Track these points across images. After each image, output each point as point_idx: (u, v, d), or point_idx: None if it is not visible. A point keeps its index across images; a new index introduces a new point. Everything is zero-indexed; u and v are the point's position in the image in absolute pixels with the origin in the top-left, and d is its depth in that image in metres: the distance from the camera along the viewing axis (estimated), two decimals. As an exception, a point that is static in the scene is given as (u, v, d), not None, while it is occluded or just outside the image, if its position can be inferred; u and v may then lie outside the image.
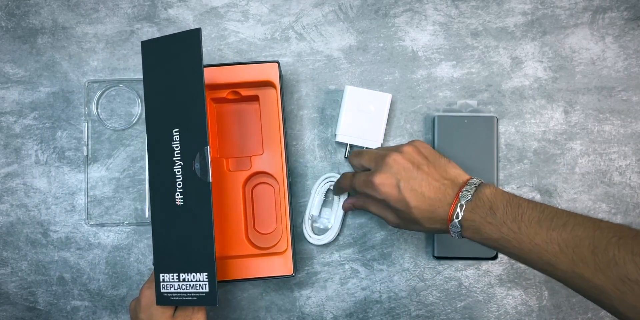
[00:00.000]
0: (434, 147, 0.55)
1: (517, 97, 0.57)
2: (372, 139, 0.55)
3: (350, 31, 0.58)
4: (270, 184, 0.56)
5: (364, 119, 0.55)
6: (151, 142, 0.49)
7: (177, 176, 0.47)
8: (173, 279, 0.46)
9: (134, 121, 0.58)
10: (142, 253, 0.57)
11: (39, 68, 0.59)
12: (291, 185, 0.57)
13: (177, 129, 0.47)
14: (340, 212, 0.55)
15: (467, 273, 0.56)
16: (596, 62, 0.57)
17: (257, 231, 0.56)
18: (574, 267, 0.36)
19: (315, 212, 0.56)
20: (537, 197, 0.57)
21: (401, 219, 0.46)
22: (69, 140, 0.58)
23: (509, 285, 0.56)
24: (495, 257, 0.55)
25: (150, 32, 0.59)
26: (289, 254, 0.51)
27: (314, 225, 0.57)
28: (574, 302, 0.56)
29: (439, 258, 0.56)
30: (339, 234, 0.57)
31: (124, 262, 0.57)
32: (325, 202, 0.56)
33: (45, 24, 0.59)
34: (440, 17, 0.58)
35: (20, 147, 0.58)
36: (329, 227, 0.56)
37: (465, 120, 0.55)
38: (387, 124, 0.57)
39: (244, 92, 0.55)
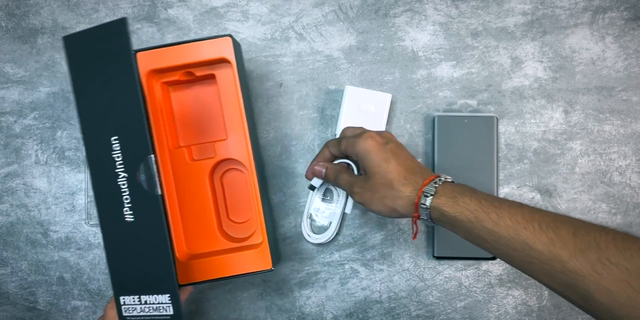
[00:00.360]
0: (433, 147, 0.56)
1: (517, 97, 0.57)
2: None
3: (350, 31, 0.58)
4: (240, 170, 0.53)
5: (363, 118, 0.55)
6: (90, 152, 0.43)
7: (122, 190, 0.42)
8: (134, 301, 0.43)
9: (134, 121, 0.58)
10: (142, 253, 0.57)
11: (39, 68, 0.59)
12: (263, 171, 0.56)
13: (116, 137, 0.42)
14: (339, 211, 0.55)
15: (467, 273, 0.56)
16: (596, 62, 0.57)
17: (232, 220, 0.53)
18: (551, 247, 0.35)
19: (313, 211, 0.56)
20: (537, 197, 0.57)
21: (371, 182, 0.44)
22: (69, 140, 0.58)
23: (509, 285, 0.56)
24: (495, 257, 0.55)
25: (150, 32, 0.59)
26: (266, 246, 0.48)
27: (312, 224, 0.57)
28: (574, 302, 0.56)
29: (439, 258, 0.56)
30: (337, 233, 0.57)
31: (124, 262, 0.57)
32: (324, 201, 0.56)
33: (45, 24, 0.59)
34: (440, 17, 0.58)
35: (20, 147, 0.58)
36: (327, 225, 0.56)
37: (465, 120, 0.55)
38: (387, 124, 0.57)
39: (199, 71, 0.50)
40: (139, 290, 0.43)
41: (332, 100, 0.58)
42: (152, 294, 0.43)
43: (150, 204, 0.42)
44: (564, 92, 0.57)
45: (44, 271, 0.58)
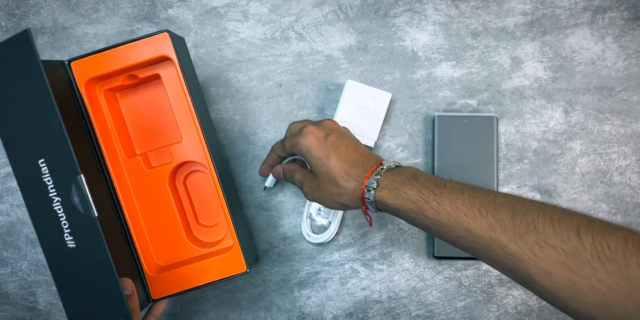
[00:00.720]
0: (433, 147, 0.56)
1: (517, 97, 0.57)
2: (366, 135, 0.55)
3: (350, 31, 0.58)
4: (203, 171, 0.51)
5: (361, 114, 0.55)
6: (20, 178, 0.41)
7: (59, 215, 0.40)
8: None
9: (134, 121, 0.58)
10: (142, 253, 0.57)
11: (39, 68, 0.59)
12: (228, 168, 0.55)
13: (43, 160, 0.40)
14: (339, 211, 0.55)
15: (467, 273, 0.56)
16: (596, 62, 0.57)
17: (203, 225, 0.52)
18: (492, 233, 0.35)
19: (313, 211, 0.56)
20: (537, 197, 0.57)
21: (318, 180, 0.45)
22: (69, 140, 0.58)
23: (509, 285, 0.56)
24: (495, 257, 0.55)
25: (150, 32, 0.59)
26: (237, 249, 0.47)
27: (312, 224, 0.57)
28: (574, 302, 0.56)
29: (439, 258, 0.56)
30: (337, 233, 0.57)
31: (124, 262, 0.57)
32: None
33: (45, 24, 0.59)
34: (440, 17, 0.58)
35: (20, 147, 0.58)
36: (327, 225, 0.56)
37: (465, 120, 0.55)
38: (387, 124, 0.57)
39: (142, 73, 0.48)
40: (94, 319, 0.42)
41: (332, 100, 0.58)
42: None
43: (89, 228, 0.40)
44: (564, 92, 0.57)
45: (44, 271, 0.58)
